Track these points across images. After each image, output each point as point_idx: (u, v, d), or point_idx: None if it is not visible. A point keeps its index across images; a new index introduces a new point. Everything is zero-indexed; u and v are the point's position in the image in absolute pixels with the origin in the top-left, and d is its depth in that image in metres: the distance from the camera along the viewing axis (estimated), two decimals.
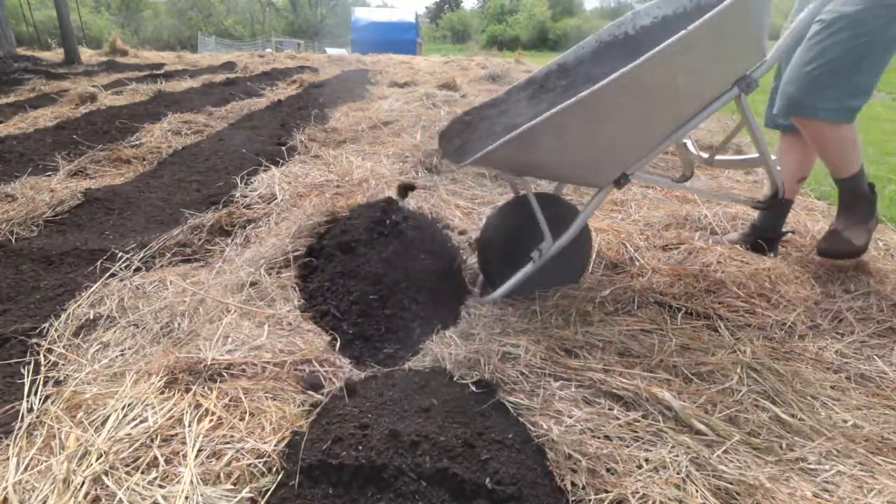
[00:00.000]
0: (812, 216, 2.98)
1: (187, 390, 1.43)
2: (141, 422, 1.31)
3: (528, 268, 1.98)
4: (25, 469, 1.20)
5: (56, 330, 1.79)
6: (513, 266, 2.01)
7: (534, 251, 1.96)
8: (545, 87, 2.25)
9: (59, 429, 1.30)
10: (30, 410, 1.42)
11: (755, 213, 2.58)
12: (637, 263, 2.36)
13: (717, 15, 1.59)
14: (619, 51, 2.21)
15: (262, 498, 1.16)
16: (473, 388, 1.52)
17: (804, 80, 2.10)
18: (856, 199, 2.28)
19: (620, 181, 1.95)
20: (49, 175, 3.45)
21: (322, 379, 1.55)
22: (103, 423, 1.31)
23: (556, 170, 1.97)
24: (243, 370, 1.52)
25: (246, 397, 1.41)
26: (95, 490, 1.13)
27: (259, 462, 1.22)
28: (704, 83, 1.82)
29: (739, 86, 1.88)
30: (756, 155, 2.14)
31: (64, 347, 1.71)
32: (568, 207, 2.11)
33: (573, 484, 1.26)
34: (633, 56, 1.67)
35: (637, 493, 1.21)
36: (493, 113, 2.21)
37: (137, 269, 2.22)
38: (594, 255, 2.36)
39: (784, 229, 2.52)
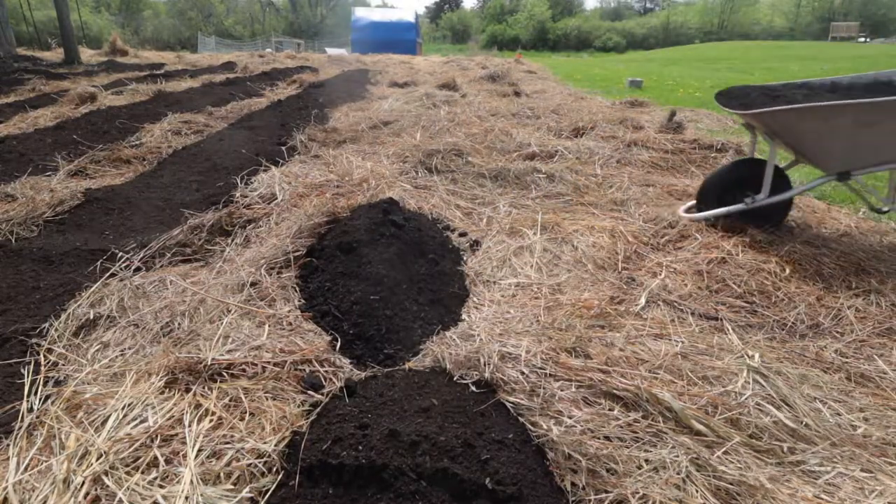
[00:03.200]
0: (814, 216, 2.99)
1: (187, 390, 1.43)
2: (141, 422, 1.31)
3: (738, 207, 2.66)
4: (25, 469, 1.20)
5: (56, 330, 1.79)
6: (722, 203, 2.72)
7: (748, 197, 2.63)
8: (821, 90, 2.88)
9: (59, 429, 1.30)
10: (30, 410, 1.41)
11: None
12: (643, 262, 2.36)
13: None
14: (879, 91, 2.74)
15: (262, 498, 1.16)
16: (473, 388, 1.52)
17: None
18: None
19: (843, 176, 2.52)
20: (49, 175, 3.45)
21: (322, 379, 1.55)
22: (103, 423, 1.31)
23: (809, 145, 2.53)
24: (243, 370, 1.52)
25: (246, 397, 1.41)
26: (95, 490, 1.13)
27: (259, 462, 1.22)
28: None
29: None
30: None
31: (64, 347, 1.71)
32: (784, 178, 2.73)
33: (573, 484, 1.26)
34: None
35: (637, 493, 1.21)
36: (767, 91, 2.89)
37: (137, 269, 2.22)
38: (607, 256, 2.37)
39: None
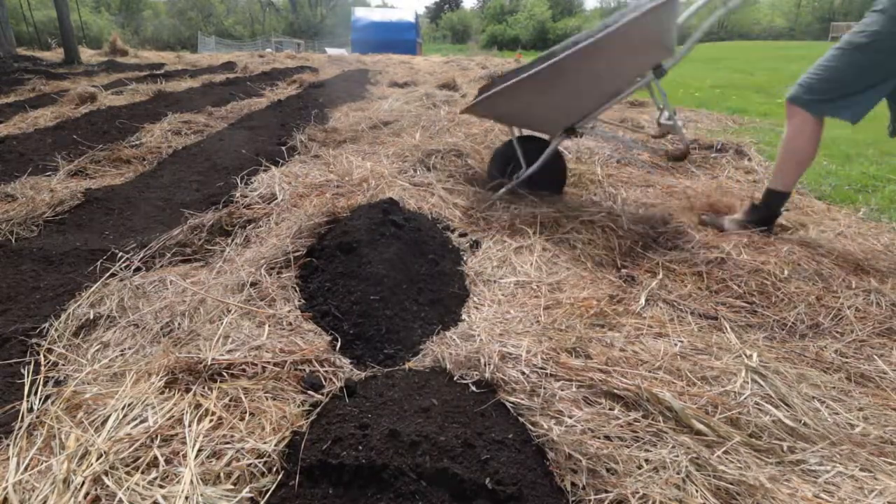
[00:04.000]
0: (811, 217, 2.99)
1: (187, 390, 1.43)
2: (141, 422, 1.31)
3: (511, 184, 3.06)
4: (25, 469, 1.20)
5: (56, 330, 1.79)
6: (506, 176, 3.13)
7: (514, 176, 3.05)
8: None
9: (59, 429, 1.30)
10: (30, 410, 1.41)
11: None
12: (642, 261, 2.36)
13: (623, 26, 2.39)
14: None
15: (262, 498, 1.16)
16: (473, 388, 1.52)
17: None
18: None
19: (570, 132, 2.91)
20: (49, 175, 3.45)
21: (322, 379, 1.55)
22: (103, 423, 1.31)
23: (522, 119, 2.95)
24: (243, 370, 1.52)
25: (246, 397, 1.41)
26: (95, 490, 1.13)
27: (259, 462, 1.22)
28: (624, 69, 2.65)
29: (655, 72, 2.62)
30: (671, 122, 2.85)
31: (64, 347, 1.71)
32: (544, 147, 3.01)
33: (573, 484, 1.26)
34: None
35: (637, 493, 1.21)
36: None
37: (137, 269, 2.22)
38: (605, 254, 2.37)
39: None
